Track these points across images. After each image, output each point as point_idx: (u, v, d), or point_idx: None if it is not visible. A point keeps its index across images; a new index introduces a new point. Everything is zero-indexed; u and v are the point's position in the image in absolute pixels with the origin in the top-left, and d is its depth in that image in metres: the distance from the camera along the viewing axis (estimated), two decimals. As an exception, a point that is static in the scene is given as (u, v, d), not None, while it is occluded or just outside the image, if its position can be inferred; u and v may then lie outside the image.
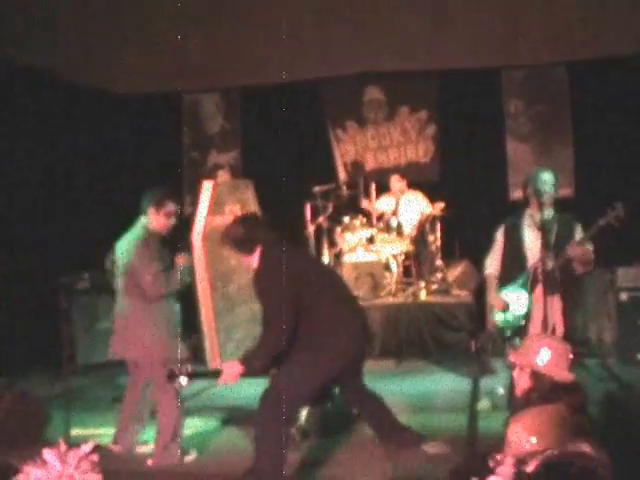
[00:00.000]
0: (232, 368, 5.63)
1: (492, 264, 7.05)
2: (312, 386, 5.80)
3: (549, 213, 6.71)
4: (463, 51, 12.15)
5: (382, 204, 12.30)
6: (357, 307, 6.24)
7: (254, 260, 5.90)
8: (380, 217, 12.15)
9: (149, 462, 6.57)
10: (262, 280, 5.82)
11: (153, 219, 6.66)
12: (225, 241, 6.04)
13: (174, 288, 6.61)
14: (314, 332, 5.76)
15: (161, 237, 6.73)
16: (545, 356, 4.93)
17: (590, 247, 6.53)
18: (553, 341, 5.06)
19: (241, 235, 5.92)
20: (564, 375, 4.87)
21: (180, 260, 6.68)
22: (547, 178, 6.73)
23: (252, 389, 6.22)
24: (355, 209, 12.04)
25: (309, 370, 5.69)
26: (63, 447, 2.43)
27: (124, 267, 6.63)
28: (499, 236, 7.03)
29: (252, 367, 5.64)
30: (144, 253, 6.50)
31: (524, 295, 6.68)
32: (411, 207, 12.01)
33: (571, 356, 4.94)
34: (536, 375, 4.95)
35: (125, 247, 6.66)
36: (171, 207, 6.73)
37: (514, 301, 6.74)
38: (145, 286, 6.46)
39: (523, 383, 5.07)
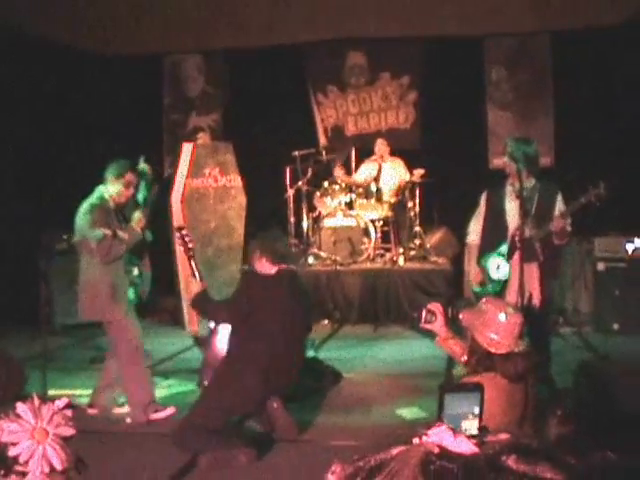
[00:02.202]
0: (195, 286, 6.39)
1: (474, 230, 7.05)
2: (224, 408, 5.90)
3: (530, 182, 6.70)
4: (446, 18, 12.10)
5: (363, 171, 12.24)
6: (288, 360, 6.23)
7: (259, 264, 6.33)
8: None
9: (127, 420, 6.71)
10: (244, 279, 6.44)
11: (111, 187, 6.84)
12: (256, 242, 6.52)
13: (117, 255, 6.76)
14: (239, 354, 6.08)
15: (115, 205, 6.89)
16: (489, 322, 4.97)
17: (569, 220, 6.54)
18: (502, 308, 5.08)
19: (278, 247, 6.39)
20: (508, 343, 4.90)
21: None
22: (524, 147, 6.73)
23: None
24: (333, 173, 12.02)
25: (220, 393, 5.93)
26: (37, 401, 2.44)
27: (76, 231, 6.87)
28: (482, 202, 7.03)
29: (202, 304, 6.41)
30: (90, 218, 6.68)
31: (503, 263, 6.71)
32: (391, 173, 11.99)
33: (520, 326, 4.98)
34: (473, 340, 5.01)
35: (79, 212, 6.82)
36: (130, 177, 6.89)
37: (494, 268, 6.77)
38: (93, 250, 6.70)
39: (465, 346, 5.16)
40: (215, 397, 5.90)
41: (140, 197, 7.26)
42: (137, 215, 6.89)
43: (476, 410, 3.94)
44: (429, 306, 5.22)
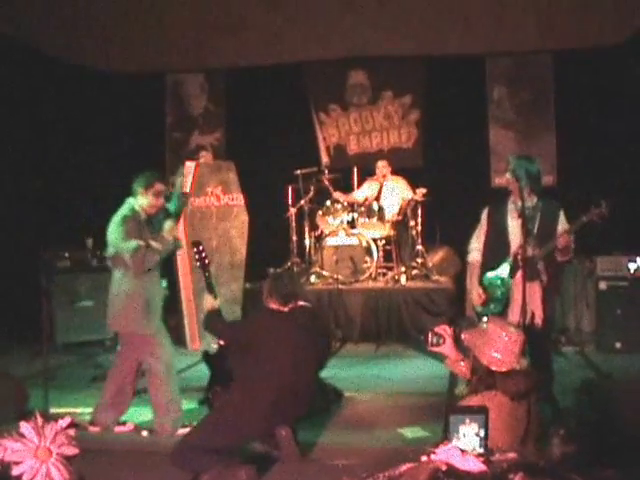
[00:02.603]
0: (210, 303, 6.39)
1: (475, 248, 7.02)
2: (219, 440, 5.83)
3: (532, 200, 6.70)
4: (448, 37, 12.17)
5: (365, 190, 12.25)
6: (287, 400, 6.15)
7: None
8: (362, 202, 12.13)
9: (150, 434, 6.87)
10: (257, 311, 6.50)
11: (141, 199, 6.87)
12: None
13: (151, 265, 6.82)
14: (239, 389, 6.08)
15: (145, 217, 6.93)
16: (491, 341, 4.99)
17: (571, 237, 6.54)
18: (503, 328, 5.11)
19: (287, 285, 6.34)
20: (510, 361, 4.92)
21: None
22: (526, 165, 6.73)
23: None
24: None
25: (216, 427, 5.90)
26: (40, 420, 2.44)
27: (109, 244, 6.87)
28: (483, 219, 7.01)
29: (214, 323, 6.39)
30: (122, 230, 6.71)
31: (505, 281, 6.69)
32: (393, 192, 11.99)
33: (522, 344, 5.00)
34: (475, 359, 5.03)
35: (110, 225, 6.84)
36: (160, 187, 6.93)
37: (495, 287, 6.75)
38: (127, 262, 6.72)
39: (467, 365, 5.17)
40: (217, 423, 5.90)
41: (171, 207, 7.37)
42: (169, 224, 6.97)
43: (482, 432, 3.93)
44: (436, 329, 5.23)
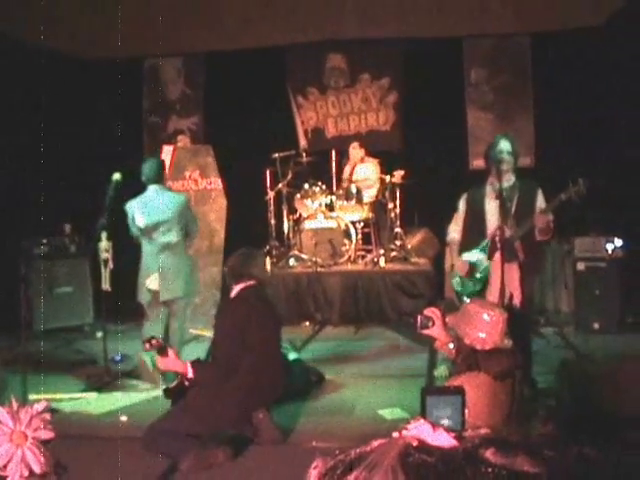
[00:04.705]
0: (178, 367, 5.92)
1: (454, 230, 7.05)
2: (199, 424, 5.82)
3: (510, 181, 6.72)
4: (427, 20, 12.12)
5: (345, 174, 12.34)
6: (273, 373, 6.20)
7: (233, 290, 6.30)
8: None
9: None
10: (224, 316, 6.22)
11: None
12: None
13: None
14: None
15: None
16: (474, 321, 5.03)
17: (551, 216, 6.56)
18: (485, 307, 5.14)
19: (234, 265, 6.36)
20: (493, 340, 4.96)
21: None
22: (505, 145, 6.74)
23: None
24: (315, 176, 12.00)
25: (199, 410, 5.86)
26: (15, 405, 2.43)
27: (177, 221, 7.90)
28: (461, 204, 7.03)
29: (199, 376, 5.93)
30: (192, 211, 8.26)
31: (482, 262, 6.71)
32: (365, 173, 12.03)
33: (504, 323, 5.04)
34: (459, 339, 5.07)
35: (180, 205, 7.91)
36: None
37: (473, 267, 6.77)
38: (192, 238, 8.30)
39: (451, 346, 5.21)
40: (190, 409, 5.84)
41: None
42: None
43: (458, 414, 3.95)
44: (425, 311, 5.24)
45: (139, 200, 7.85)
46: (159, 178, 7.93)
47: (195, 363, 5.94)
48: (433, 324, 5.22)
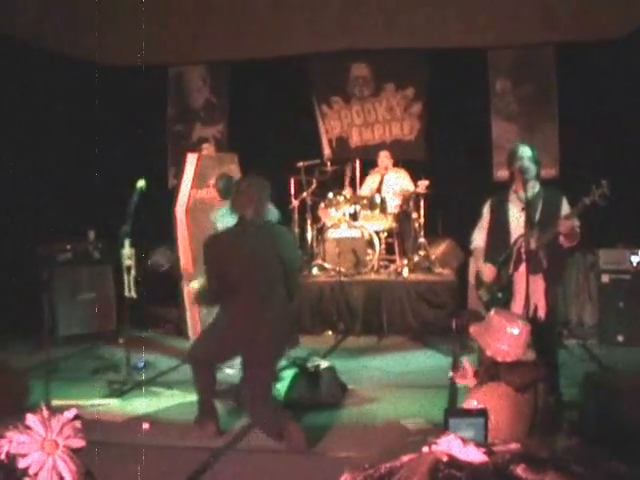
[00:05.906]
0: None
1: (478, 237, 7.02)
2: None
3: (534, 189, 6.68)
4: (452, 30, 12.13)
5: (368, 185, 12.32)
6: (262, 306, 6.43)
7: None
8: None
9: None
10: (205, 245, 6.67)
11: None
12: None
13: None
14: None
15: None
16: (498, 333, 5.02)
17: (577, 222, 6.50)
18: (509, 319, 5.13)
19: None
20: (516, 353, 4.95)
21: None
22: (524, 151, 6.70)
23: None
24: (339, 185, 12.00)
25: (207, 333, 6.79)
26: (46, 412, 2.42)
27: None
28: (485, 212, 6.99)
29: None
30: None
31: (506, 272, 6.68)
32: (394, 184, 12.01)
33: (528, 335, 5.02)
34: (481, 351, 5.08)
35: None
36: None
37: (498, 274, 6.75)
38: None
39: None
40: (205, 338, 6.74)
41: None
42: None
43: (480, 435, 3.94)
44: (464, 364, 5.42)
45: None
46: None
47: None
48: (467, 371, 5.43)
